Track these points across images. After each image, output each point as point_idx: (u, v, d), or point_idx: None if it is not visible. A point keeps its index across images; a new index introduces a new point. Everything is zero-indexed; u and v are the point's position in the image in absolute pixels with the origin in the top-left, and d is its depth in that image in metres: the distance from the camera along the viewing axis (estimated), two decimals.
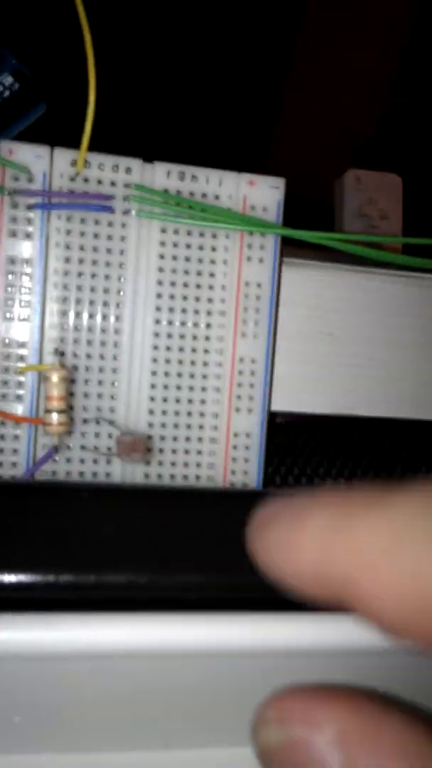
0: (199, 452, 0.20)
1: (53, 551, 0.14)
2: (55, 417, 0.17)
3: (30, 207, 0.19)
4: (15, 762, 0.16)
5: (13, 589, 0.14)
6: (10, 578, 0.14)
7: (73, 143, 0.19)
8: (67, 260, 0.19)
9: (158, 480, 0.19)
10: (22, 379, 0.18)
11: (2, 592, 0.14)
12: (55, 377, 0.17)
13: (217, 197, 0.20)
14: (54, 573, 0.14)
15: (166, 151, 0.21)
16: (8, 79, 0.20)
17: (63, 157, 0.19)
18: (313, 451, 0.22)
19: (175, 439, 0.19)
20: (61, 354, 0.18)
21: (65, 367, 0.18)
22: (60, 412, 0.17)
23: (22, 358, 0.18)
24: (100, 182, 0.19)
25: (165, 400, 0.19)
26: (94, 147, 0.19)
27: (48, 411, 0.17)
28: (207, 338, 0.20)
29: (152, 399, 0.19)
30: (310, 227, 0.20)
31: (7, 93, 0.20)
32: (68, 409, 0.17)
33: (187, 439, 0.20)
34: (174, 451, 0.19)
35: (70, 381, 0.18)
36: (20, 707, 0.14)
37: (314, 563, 0.09)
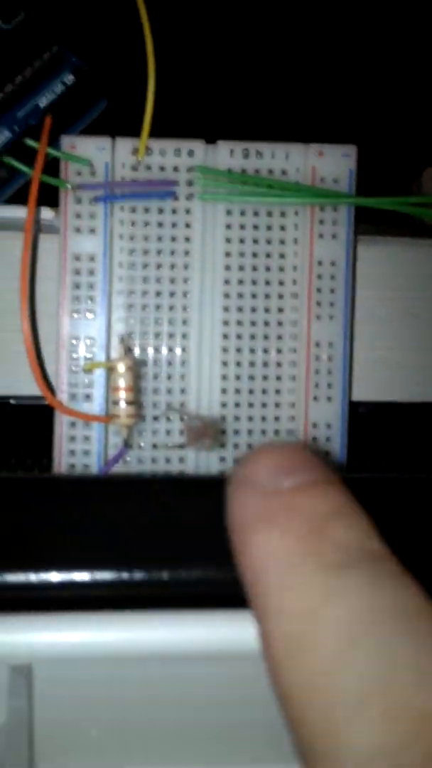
0: None
1: (137, 546, 0.13)
2: (123, 408, 0.16)
3: (93, 200, 0.18)
4: None
5: (90, 587, 0.13)
6: (94, 576, 0.13)
7: (134, 131, 0.19)
8: (132, 252, 0.18)
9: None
10: (90, 377, 0.18)
11: (85, 590, 0.13)
12: (121, 367, 0.17)
13: (284, 172, 0.19)
14: (147, 568, 0.13)
15: (231, 129, 0.20)
16: (69, 77, 0.20)
17: (124, 146, 0.18)
18: (400, 442, 0.20)
19: (250, 432, 0.18)
20: (128, 349, 0.18)
21: (131, 356, 0.17)
22: (128, 403, 0.16)
23: (90, 357, 0.18)
24: (162, 169, 0.19)
25: (238, 391, 0.18)
26: (155, 133, 0.19)
27: (115, 403, 0.16)
28: (279, 323, 0.19)
29: (224, 391, 0.18)
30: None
31: (68, 91, 0.20)
32: (137, 401, 0.17)
33: (263, 432, 0.18)
34: (250, 446, 0.18)
35: (136, 370, 0.17)
36: (98, 720, 0.14)
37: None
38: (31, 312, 0.18)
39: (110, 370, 0.17)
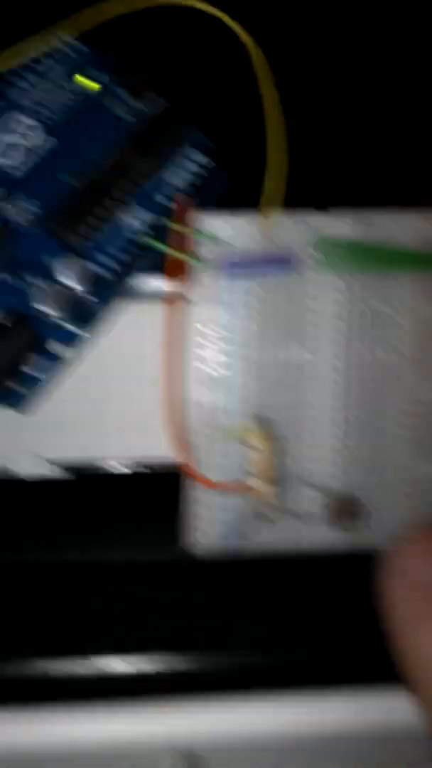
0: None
1: (287, 629, 0.14)
2: (262, 484, 0.17)
3: (220, 273, 0.19)
4: None
5: (251, 671, 0.14)
6: (249, 660, 0.14)
7: (253, 203, 0.19)
8: (258, 323, 0.19)
9: (364, 546, 0.19)
10: (221, 447, 0.19)
11: (244, 676, 0.13)
12: (261, 443, 0.17)
13: (397, 240, 0.19)
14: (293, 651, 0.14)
15: (339, 198, 0.20)
16: (200, 157, 0.20)
17: (247, 221, 0.19)
18: None
19: (369, 499, 0.19)
20: (263, 420, 0.18)
21: (270, 432, 0.18)
22: (270, 480, 0.17)
23: (218, 424, 0.19)
24: (282, 241, 0.19)
25: (359, 459, 0.19)
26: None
27: (257, 478, 0.17)
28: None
29: (347, 459, 0.19)
30: None
31: (200, 170, 0.20)
32: (278, 477, 0.17)
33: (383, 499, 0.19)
34: (368, 514, 0.19)
35: (275, 447, 0.18)
36: None
37: None
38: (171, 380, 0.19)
39: (250, 446, 0.17)
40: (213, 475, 0.18)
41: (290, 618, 0.14)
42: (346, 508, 0.17)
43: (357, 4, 0.23)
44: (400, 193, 0.21)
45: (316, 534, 0.19)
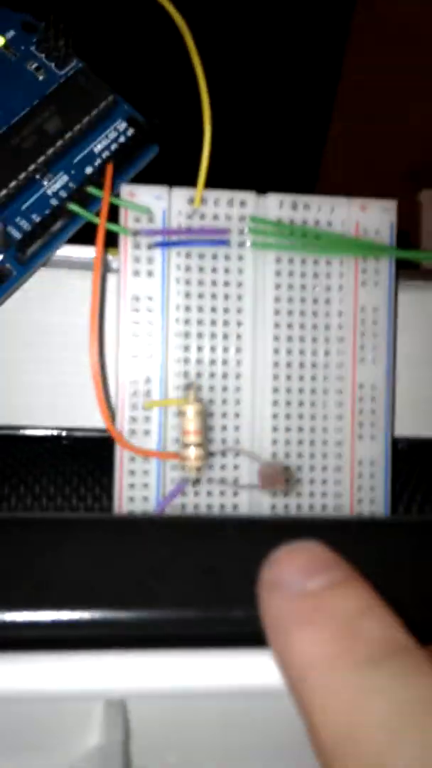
0: (324, 481, 0.19)
1: (202, 586, 0.14)
2: (192, 451, 0.17)
3: (151, 246, 0.19)
4: None
5: (162, 626, 0.14)
6: (160, 615, 0.14)
7: (188, 181, 0.20)
8: (188, 295, 0.19)
9: (285, 511, 0.19)
10: (149, 414, 0.19)
11: (167, 629, 0.14)
12: (191, 411, 0.17)
13: (329, 224, 0.20)
14: (205, 608, 0.14)
15: (272, 181, 0.21)
16: (122, 125, 0.21)
17: (181, 195, 0.19)
18: None
19: (299, 468, 0.19)
20: (197, 389, 0.19)
21: (201, 401, 0.18)
22: (197, 446, 0.17)
23: (148, 393, 0.19)
24: (216, 217, 0.20)
25: (287, 429, 0.19)
26: (208, 183, 0.20)
27: (185, 445, 0.17)
28: (326, 366, 0.20)
29: (275, 429, 0.19)
30: None
31: (122, 138, 0.21)
32: (204, 443, 0.17)
33: (312, 468, 0.19)
34: (299, 481, 0.19)
35: (205, 414, 0.18)
36: (175, 746, 0.14)
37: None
38: (100, 348, 0.19)
39: (180, 414, 0.18)
40: (142, 443, 0.19)
41: (214, 578, 0.14)
42: (275, 476, 0.17)
43: None
44: (333, 182, 0.22)
45: (243, 500, 0.19)
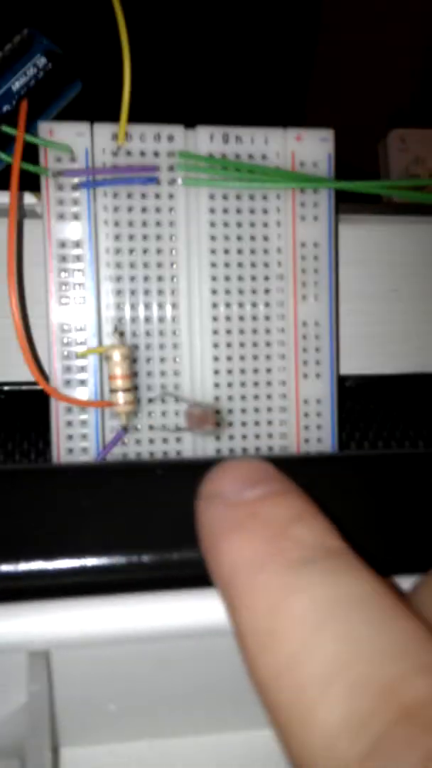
0: (270, 422, 0.19)
1: (134, 532, 0.14)
2: (121, 397, 0.17)
3: (75, 187, 0.18)
4: (111, 751, 0.16)
5: (99, 572, 0.13)
6: (96, 561, 0.13)
7: (113, 117, 0.19)
8: (117, 238, 0.18)
9: (230, 454, 0.19)
10: (83, 363, 0.18)
11: (91, 576, 0.13)
12: (116, 356, 0.17)
13: (264, 156, 0.19)
14: (137, 553, 0.14)
15: (202, 114, 0.20)
16: (41, 60, 0.20)
17: (103, 132, 0.18)
18: (388, 414, 0.21)
19: (243, 410, 0.19)
20: (120, 334, 0.18)
21: (125, 344, 0.17)
22: (125, 390, 0.16)
23: (81, 342, 0.18)
24: (143, 154, 0.19)
25: (230, 372, 0.19)
26: (133, 118, 0.19)
27: (113, 391, 0.17)
28: (267, 304, 0.19)
29: (216, 372, 0.19)
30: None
31: (41, 74, 0.20)
32: (133, 388, 0.17)
33: (256, 410, 0.19)
34: (244, 424, 0.19)
35: (132, 359, 0.17)
36: (116, 695, 0.14)
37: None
38: (20, 297, 0.18)
39: (106, 358, 0.17)
40: (75, 393, 0.18)
41: (149, 523, 0.14)
42: (203, 416, 0.17)
43: None
44: (267, 113, 0.21)
45: (188, 446, 0.19)
